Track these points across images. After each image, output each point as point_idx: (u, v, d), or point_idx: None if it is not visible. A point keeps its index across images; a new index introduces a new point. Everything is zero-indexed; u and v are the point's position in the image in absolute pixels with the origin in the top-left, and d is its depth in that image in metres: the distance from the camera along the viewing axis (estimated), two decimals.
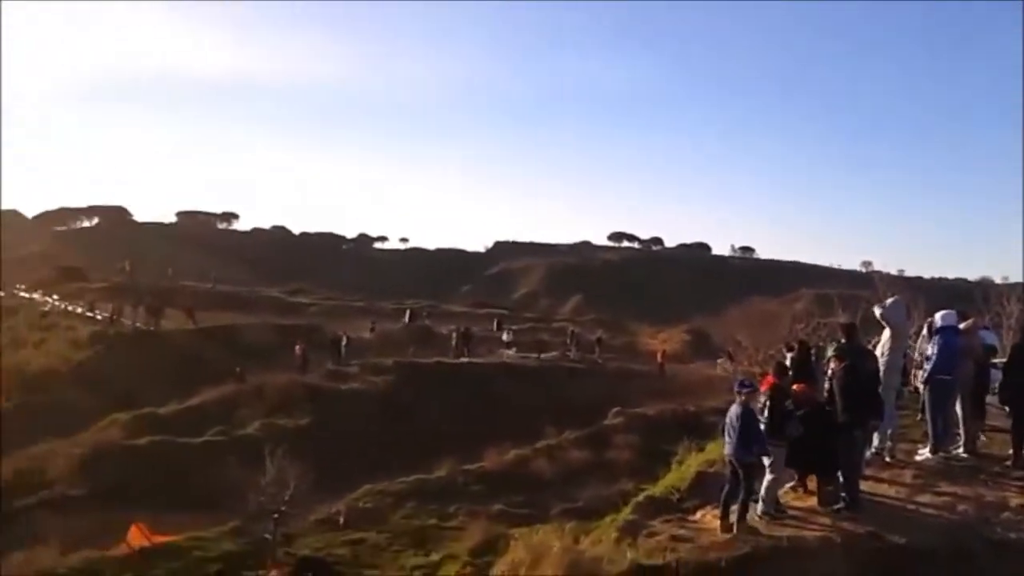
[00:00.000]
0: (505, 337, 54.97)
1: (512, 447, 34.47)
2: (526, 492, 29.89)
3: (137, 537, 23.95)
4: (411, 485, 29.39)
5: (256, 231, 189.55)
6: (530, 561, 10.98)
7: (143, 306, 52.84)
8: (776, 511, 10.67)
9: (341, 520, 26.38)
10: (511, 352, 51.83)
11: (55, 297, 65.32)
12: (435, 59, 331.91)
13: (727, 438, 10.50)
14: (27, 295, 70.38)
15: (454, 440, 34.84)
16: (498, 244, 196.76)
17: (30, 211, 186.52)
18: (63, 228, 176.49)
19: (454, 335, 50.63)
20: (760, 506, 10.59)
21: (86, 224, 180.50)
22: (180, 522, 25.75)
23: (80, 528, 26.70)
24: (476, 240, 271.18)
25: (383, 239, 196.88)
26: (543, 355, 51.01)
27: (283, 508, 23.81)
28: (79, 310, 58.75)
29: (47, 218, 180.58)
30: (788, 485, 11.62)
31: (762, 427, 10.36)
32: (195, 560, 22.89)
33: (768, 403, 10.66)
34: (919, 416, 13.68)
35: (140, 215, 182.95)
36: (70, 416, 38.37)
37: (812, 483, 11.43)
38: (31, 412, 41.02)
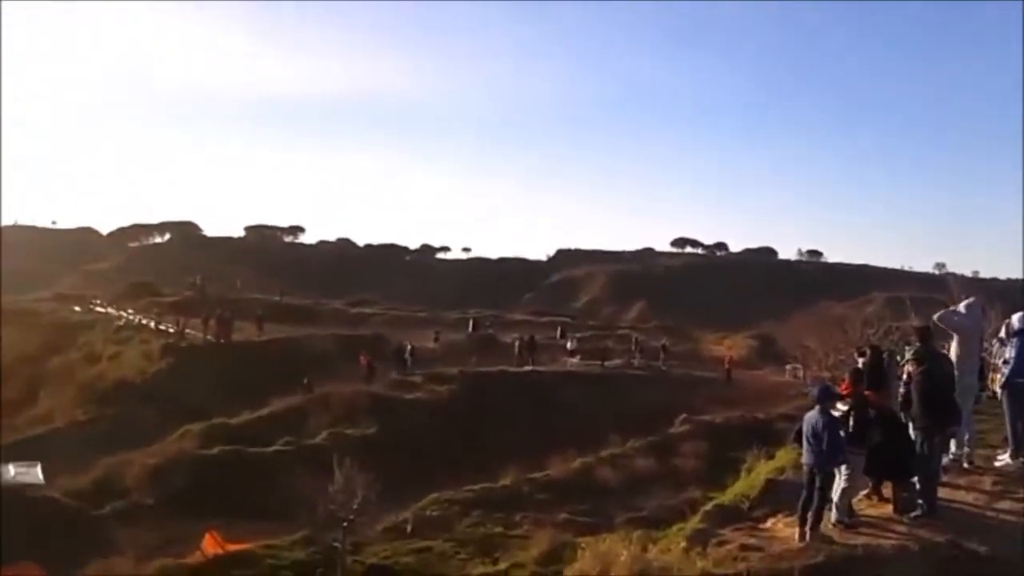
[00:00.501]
0: (569, 345, 54.83)
1: (577, 455, 34.35)
2: (591, 500, 29.74)
3: (211, 545, 24.45)
4: (477, 493, 29.44)
5: (321, 244, 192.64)
6: (598, 570, 10.88)
7: (213, 319, 53.84)
8: (850, 519, 10.43)
9: (408, 528, 26.54)
10: (575, 360, 51.67)
11: (129, 311, 67.03)
12: (494, 68, 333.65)
13: (807, 446, 10.28)
14: (102, 310, 72.39)
15: (518, 448, 34.85)
16: (560, 252, 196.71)
17: (104, 228, 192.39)
18: (136, 244, 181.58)
19: (517, 344, 50.64)
20: (834, 514, 10.35)
21: (158, 240, 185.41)
22: (252, 530, 26.19)
23: (155, 537, 27.48)
24: (538, 249, 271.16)
25: (445, 249, 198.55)
26: (607, 363, 50.72)
27: (351, 517, 24.02)
28: (152, 324, 60.21)
29: (121, 234, 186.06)
30: (862, 492, 11.36)
31: (842, 435, 10.14)
32: (267, 568, 23.23)
33: (851, 411, 10.43)
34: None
35: (210, 230, 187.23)
36: (144, 427, 39.46)
37: (887, 490, 11.14)
38: (107, 424, 42.36)
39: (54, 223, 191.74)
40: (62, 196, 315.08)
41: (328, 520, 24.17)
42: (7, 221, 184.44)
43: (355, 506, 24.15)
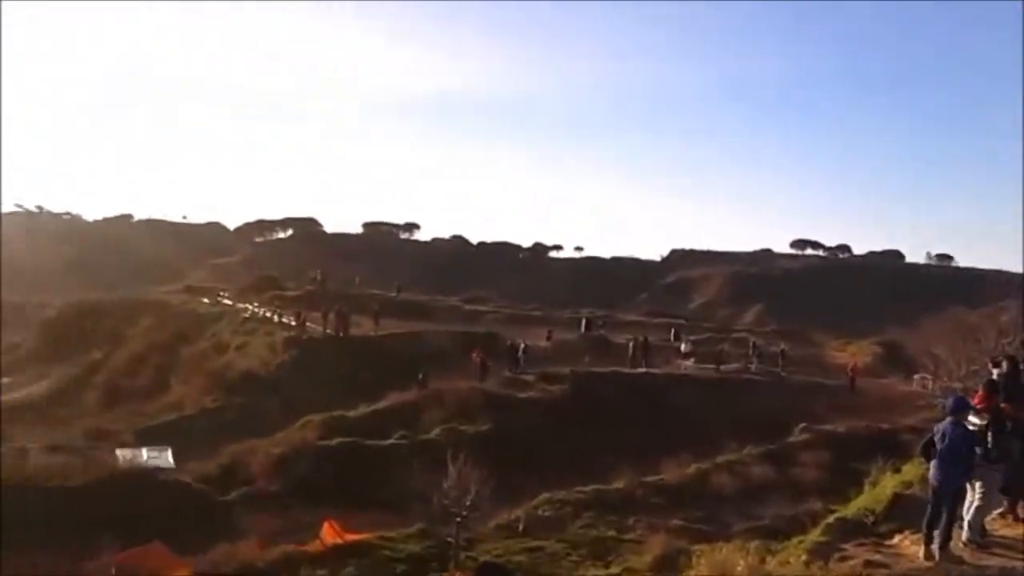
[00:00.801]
0: (683, 347, 53.99)
1: (690, 460, 33.83)
2: (706, 507, 29.31)
3: (330, 534, 25.19)
4: (589, 495, 29.36)
5: (436, 241, 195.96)
6: None
7: (333, 313, 55.26)
8: (983, 539, 9.95)
9: (520, 527, 26.69)
10: (689, 363, 50.83)
11: (254, 304, 69.38)
12: (610, 66, 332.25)
13: (936, 459, 9.85)
14: (229, 302, 75.21)
15: (631, 451, 34.52)
16: (674, 252, 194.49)
17: (231, 223, 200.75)
18: (261, 239, 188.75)
19: (631, 345, 50.19)
20: (966, 533, 9.90)
21: (281, 235, 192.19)
22: (368, 521, 26.84)
23: (277, 523, 28.47)
24: (651, 248, 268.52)
25: (558, 248, 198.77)
26: (722, 366, 49.79)
27: (465, 513, 24.33)
28: (275, 317, 62.21)
29: (247, 229, 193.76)
30: (997, 511, 10.82)
31: (977, 450, 9.70)
32: (383, 559, 23.79)
33: (988, 425, 9.96)
34: None
35: (329, 226, 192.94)
36: (268, 416, 40.96)
37: (1023, 511, 10.60)
38: (233, 412, 44.17)
39: (185, 218, 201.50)
40: (192, 191, 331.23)
41: (442, 514, 24.56)
42: (141, 215, 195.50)
43: (468, 502, 24.45)
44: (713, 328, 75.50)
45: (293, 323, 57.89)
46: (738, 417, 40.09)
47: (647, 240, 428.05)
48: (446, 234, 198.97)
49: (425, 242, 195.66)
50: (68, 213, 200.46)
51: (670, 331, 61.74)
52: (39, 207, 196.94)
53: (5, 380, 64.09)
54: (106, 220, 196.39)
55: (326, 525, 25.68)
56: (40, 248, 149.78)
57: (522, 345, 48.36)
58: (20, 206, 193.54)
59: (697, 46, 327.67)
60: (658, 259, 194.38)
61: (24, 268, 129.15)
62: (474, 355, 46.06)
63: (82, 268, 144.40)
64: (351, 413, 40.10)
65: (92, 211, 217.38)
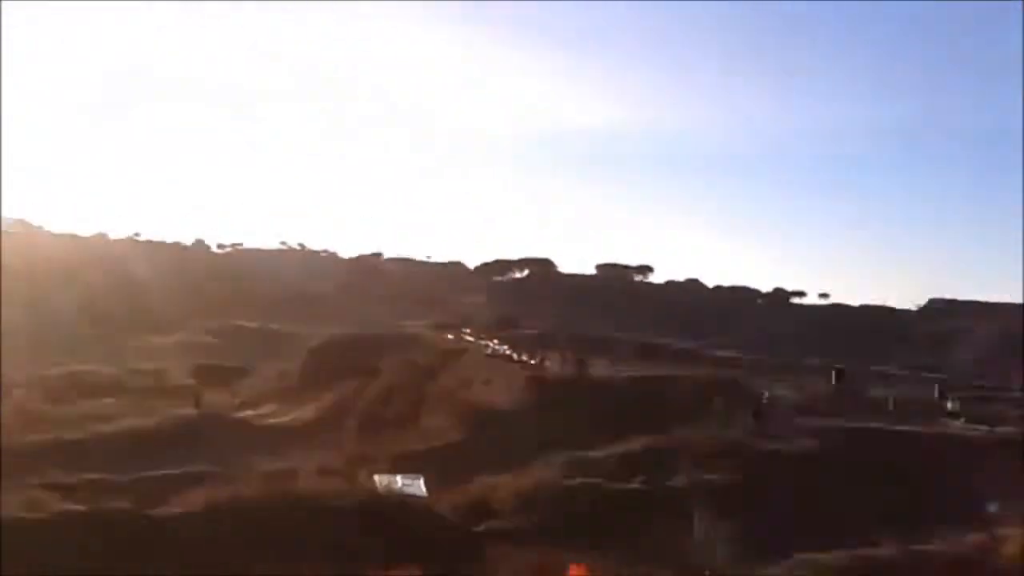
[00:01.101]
0: (949, 405, 49.86)
1: (961, 528, 30.71)
2: None
3: None
4: (849, 559, 27.23)
5: (670, 283, 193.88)
6: None
7: (570, 353, 55.86)
8: None
9: None
10: (958, 423, 46.72)
11: (495, 341, 71.73)
12: (862, 103, 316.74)
13: None
14: (471, 339, 78.24)
15: (890, 513, 32.07)
16: (933, 302, 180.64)
17: (471, 262, 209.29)
18: (500, 278, 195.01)
19: (891, 400, 46.93)
20: None
21: (518, 275, 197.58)
22: (612, 566, 26.41)
23: (522, 560, 28.62)
24: (905, 297, 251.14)
25: (800, 294, 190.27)
26: (997, 428, 45.29)
27: (714, 566, 23.44)
28: (514, 355, 63.80)
29: (486, 269, 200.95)
30: None
31: None
32: None
33: None
34: None
35: (564, 267, 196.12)
36: (511, 452, 41.60)
37: None
38: (478, 446, 45.37)
39: (429, 257, 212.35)
40: (434, 230, 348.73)
41: (690, 565, 23.79)
42: (390, 254, 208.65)
43: (717, 554, 23.57)
44: (983, 386, 69.23)
45: (532, 362, 59.10)
46: (1014, 484, 36.21)
47: (900, 288, 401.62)
48: (681, 277, 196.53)
49: (659, 284, 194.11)
50: (326, 250, 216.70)
51: (930, 387, 57.41)
52: (301, 244, 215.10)
53: (272, 406, 69.77)
54: (360, 258, 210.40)
55: (572, 567, 25.48)
56: (300, 282, 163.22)
57: (766, 394, 46.58)
58: (284, 243, 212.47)
59: (912, 83, 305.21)
60: (914, 308, 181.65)
61: (290, 301, 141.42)
62: (716, 402, 44.89)
63: (339, 302, 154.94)
64: (592, 453, 40.10)
65: (348, 249, 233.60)
